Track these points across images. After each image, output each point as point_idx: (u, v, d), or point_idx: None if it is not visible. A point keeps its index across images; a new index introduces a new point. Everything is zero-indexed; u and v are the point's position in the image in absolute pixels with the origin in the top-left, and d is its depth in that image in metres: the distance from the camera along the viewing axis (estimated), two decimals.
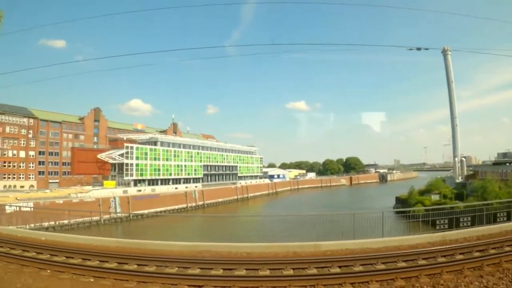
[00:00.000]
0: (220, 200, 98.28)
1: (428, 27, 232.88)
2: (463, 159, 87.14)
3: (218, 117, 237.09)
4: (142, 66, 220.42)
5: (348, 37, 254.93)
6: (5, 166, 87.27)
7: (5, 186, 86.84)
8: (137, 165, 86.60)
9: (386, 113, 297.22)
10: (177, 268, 11.06)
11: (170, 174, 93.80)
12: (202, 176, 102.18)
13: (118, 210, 73.55)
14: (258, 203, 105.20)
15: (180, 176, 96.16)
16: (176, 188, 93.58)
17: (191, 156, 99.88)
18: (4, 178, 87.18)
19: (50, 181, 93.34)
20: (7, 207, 59.06)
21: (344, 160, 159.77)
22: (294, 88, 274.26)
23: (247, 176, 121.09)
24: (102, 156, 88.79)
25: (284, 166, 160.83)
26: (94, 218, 63.71)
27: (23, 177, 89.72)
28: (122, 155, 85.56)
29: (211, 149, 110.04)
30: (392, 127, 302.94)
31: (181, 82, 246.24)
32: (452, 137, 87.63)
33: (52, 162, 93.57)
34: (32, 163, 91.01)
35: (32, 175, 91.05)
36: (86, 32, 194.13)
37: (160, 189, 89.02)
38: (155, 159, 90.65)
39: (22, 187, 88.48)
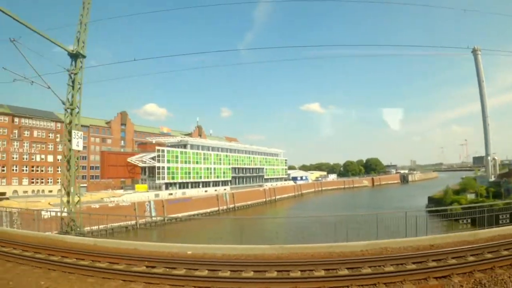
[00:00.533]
0: (249, 202, 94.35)
1: (441, 26, 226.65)
2: (495, 158, 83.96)
3: (232, 120, 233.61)
4: (156, 70, 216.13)
5: (361, 36, 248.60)
6: (33, 170, 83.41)
7: (33, 190, 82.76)
8: (168, 168, 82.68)
9: (402, 114, 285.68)
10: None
11: (200, 177, 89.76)
12: (230, 178, 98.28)
13: (153, 214, 70.01)
14: (287, 205, 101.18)
15: (209, 179, 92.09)
16: (206, 191, 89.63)
17: (220, 159, 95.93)
18: (33, 182, 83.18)
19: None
20: (43, 213, 55.17)
21: (364, 161, 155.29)
22: (308, 89, 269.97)
23: (272, 178, 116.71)
24: (132, 159, 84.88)
25: (304, 168, 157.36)
26: (130, 223, 60.17)
27: (51, 182, 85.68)
28: (153, 158, 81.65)
29: (238, 151, 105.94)
30: (408, 127, 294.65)
31: (195, 86, 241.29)
32: (484, 136, 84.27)
33: (80, 166, 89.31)
34: (60, 168, 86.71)
35: (60, 178, 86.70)
36: (99, 37, 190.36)
37: (190, 192, 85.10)
38: (185, 162, 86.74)
39: (50, 191, 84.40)
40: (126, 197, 72.78)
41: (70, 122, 22.44)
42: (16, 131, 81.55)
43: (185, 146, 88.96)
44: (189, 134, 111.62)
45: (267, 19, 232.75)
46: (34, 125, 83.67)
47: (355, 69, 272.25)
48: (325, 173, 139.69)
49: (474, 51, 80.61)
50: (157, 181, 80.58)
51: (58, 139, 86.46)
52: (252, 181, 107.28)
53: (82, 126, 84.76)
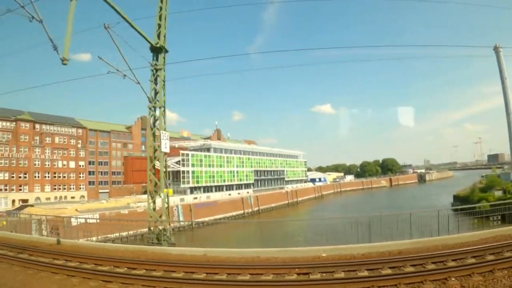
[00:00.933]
0: (273, 205, 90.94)
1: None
2: None
3: (243, 124, 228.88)
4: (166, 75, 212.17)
5: (371, 37, 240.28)
6: (55, 177, 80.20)
7: (56, 197, 79.56)
8: (193, 172, 79.48)
9: (414, 113, 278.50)
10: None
11: (224, 181, 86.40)
12: (253, 181, 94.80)
13: (181, 218, 66.87)
14: (309, 207, 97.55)
15: (233, 183, 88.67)
16: (229, 194, 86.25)
17: (242, 162, 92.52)
18: (55, 189, 79.95)
19: (100, 191, 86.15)
20: (72, 220, 52.12)
21: (381, 162, 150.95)
22: (318, 91, 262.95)
23: (293, 180, 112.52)
24: (156, 164, 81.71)
25: (321, 169, 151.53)
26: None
27: (73, 188, 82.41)
28: (178, 162, 78.48)
29: (260, 154, 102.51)
30: (419, 127, 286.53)
31: (205, 89, 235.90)
32: (509, 133, 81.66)
33: (101, 172, 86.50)
34: (82, 173, 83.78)
35: (83, 185, 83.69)
36: (110, 44, 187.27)
37: (214, 196, 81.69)
38: (209, 165, 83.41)
39: (72, 197, 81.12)
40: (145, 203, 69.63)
41: (155, 121, 19.20)
42: (38, 138, 78.48)
43: (208, 149, 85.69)
44: (208, 138, 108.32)
45: (276, 22, 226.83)
46: (55, 131, 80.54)
47: (365, 69, 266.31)
48: (341, 174, 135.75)
49: (496, 49, 77.72)
50: (182, 185, 77.31)
51: (79, 145, 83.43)
52: (274, 183, 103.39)
53: (102, 131, 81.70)
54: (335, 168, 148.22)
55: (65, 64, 11.68)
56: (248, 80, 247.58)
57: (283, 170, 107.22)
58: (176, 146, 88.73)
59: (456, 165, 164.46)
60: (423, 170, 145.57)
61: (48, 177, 78.33)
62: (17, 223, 45.55)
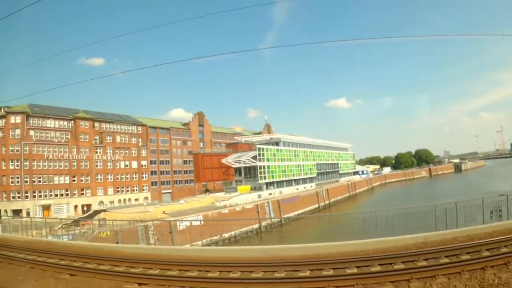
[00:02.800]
0: (339, 198, 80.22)
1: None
2: None
3: (259, 121, 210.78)
4: (178, 76, 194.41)
5: (385, 26, 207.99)
6: (118, 179, 66.75)
7: (119, 200, 66.12)
8: (268, 167, 67.88)
9: (430, 103, 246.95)
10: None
11: (293, 175, 75.15)
12: (315, 175, 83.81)
13: (272, 215, 55.82)
14: (368, 198, 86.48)
15: (299, 177, 77.35)
16: (297, 189, 75.00)
17: (307, 156, 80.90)
18: (118, 191, 66.47)
19: (163, 191, 73.20)
20: (178, 224, 40.50)
21: (413, 153, 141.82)
22: (333, 85, 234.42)
23: (344, 173, 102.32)
24: (228, 160, 69.59)
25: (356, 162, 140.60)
26: (254, 226, 48.91)
27: (136, 189, 69.23)
28: (254, 157, 66.74)
29: (319, 147, 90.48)
30: (436, 118, 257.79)
31: (218, 87, 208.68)
32: None
33: (163, 171, 73.64)
34: (145, 174, 70.67)
35: (146, 186, 70.56)
36: (122, 48, 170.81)
37: (285, 191, 70.06)
38: (281, 160, 71.98)
39: (136, 200, 67.65)
40: (235, 200, 57.76)
41: None
42: (97, 137, 65.11)
43: (277, 143, 73.97)
44: (259, 133, 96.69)
45: (286, 19, 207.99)
46: (115, 130, 67.05)
47: (378, 61, 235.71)
48: (377, 166, 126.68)
49: None
50: (260, 181, 65.52)
51: (140, 144, 70.31)
52: (330, 176, 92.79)
53: (162, 128, 69.53)
54: (370, 161, 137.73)
55: None
56: (261, 77, 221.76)
57: (337, 163, 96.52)
58: (243, 141, 77.07)
59: (477, 155, 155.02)
60: (456, 160, 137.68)
61: (111, 179, 64.80)
62: (119, 232, 33.94)
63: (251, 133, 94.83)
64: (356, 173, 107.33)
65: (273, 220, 53.24)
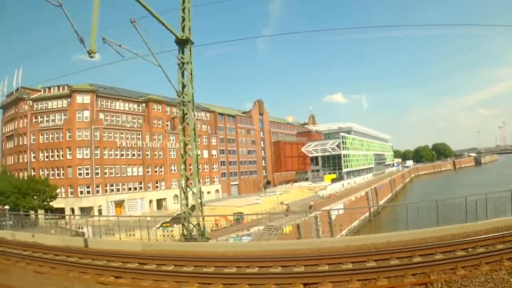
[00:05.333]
0: (397, 188, 71.97)
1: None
2: None
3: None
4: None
5: (380, 19, 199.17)
6: (191, 169, 53.91)
7: (193, 194, 53.40)
8: (348, 155, 57.70)
9: (426, 98, 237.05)
10: None
11: (361, 164, 65.42)
12: (373, 165, 74.52)
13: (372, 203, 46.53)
14: (417, 188, 79.28)
15: (364, 166, 67.71)
16: (363, 179, 65.40)
17: (369, 145, 72.06)
18: (192, 184, 53.71)
19: (231, 183, 60.71)
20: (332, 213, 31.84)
21: (430, 147, 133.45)
22: (329, 80, 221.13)
23: (388, 164, 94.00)
24: (308, 148, 58.56)
25: None
26: (366, 215, 39.08)
27: (208, 181, 56.52)
28: (338, 145, 56.21)
29: (374, 137, 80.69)
30: (432, 112, 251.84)
31: (212, 81, 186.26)
32: None
33: (231, 161, 61.22)
34: (215, 164, 58.06)
35: (217, 177, 57.92)
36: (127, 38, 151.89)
37: (357, 180, 60.65)
38: (355, 149, 62.10)
39: (208, 193, 55.29)
40: (330, 189, 47.38)
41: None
42: (168, 123, 52.01)
43: (349, 132, 63.91)
44: (305, 124, 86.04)
45: (282, 14, 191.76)
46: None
47: (373, 56, 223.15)
48: (399, 159, 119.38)
49: None
50: (343, 170, 55.33)
51: (210, 132, 57.50)
52: (380, 167, 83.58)
53: (229, 116, 57.15)
54: None
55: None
56: (259, 73, 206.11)
57: (384, 154, 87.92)
58: (314, 130, 66.24)
59: (477, 151, 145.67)
60: (474, 154, 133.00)
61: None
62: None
63: (298, 124, 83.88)
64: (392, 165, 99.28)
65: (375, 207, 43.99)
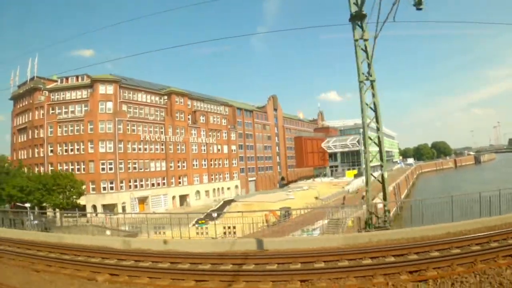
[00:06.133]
0: (410, 184, 72.45)
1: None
2: None
3: None
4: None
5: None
6: (212, 165, 52.09)
7: (214, 189, 51.54)
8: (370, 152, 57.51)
9: (421, 97, 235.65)
10: None
11: (377, 161, 65.44)
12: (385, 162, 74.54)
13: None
14: (429, 183, 79.36)
15: (377, 163, 67.77)
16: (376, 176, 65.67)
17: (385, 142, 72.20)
18: (212, 179, 51.93)
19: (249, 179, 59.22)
20: None
21: (430, 145, 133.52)
22: (323, 78, 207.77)
23: (395, 162, 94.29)
24: (328, 144, 57.73)
25: None
26: None
27: (228, 177, 54.91)
28: (358, 141, 55.71)
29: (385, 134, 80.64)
30: (427, 112, 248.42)
31: (203, 79, 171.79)
32: None
33: (248, 157, 59.71)
34: (235, 160, 56.48)
35: (236, 173, 56.38)
36: (112, 39, 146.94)
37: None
38: (372, 145, 61.93)
39: (228, 189, 53.83)
40: (355, 185, 46.95)
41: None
42: (190, 117, 50.09)
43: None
44: (314, 120, 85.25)
45: (276, 11, 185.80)
46: (209, 110, 52.29)
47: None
48: (400, 157, 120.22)
49: None
50: (363, 166, 54.96)
51: (229, 126, 55.87)
52: (389, 164, 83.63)
53: (246, 111, 55.65)
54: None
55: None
56: (251, 72, 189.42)
57: (392, 151, 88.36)
58: (331, 126, 65.53)
59: (471, 150, 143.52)
60: (473, 153, 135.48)
61: (205, 165, 50.26)
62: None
63: (308, 121, 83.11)
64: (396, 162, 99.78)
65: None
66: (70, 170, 37.41)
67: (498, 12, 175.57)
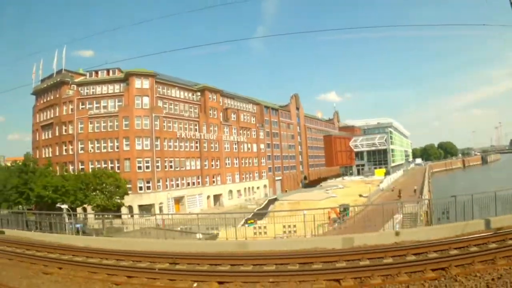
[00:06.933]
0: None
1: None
2: None
3: None
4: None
5: (377, 18, 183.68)
6: (243, 163, 50.38)
7: (245, 189, 49.87)
8: (393, 150, 56.82)
9: (420, 97, 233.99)
10: None
11: (400, 160, 65.01)
12: (404, 161, 74.28)
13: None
14: (443, 182, 79.27)
15: (398, 162, 67.29)
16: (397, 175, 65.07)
17: (402, 142, 71.77)
18: (243, 179, 50.27)
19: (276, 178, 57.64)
20: None
21: (436, 146, 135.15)
22: (323, 79, 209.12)
23: (409, 162, 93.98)
24: (356, 143, 56.90)
25: None
26: None
27: (257, 176, 53.25)
28: (386, 140, 55.07)
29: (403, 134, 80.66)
30: (426, 112, 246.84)
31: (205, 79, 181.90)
32: None
33: (275, 156, 58.08)
34: (263, 159, 54.83)
35: (264, 172, 54.74)
36: (111, 41, 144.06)
37: (397, 175, 60.10)
38: (396, 145, 61.35)
39: (258, 188, 52.26)
40: (386, 183, 46.25)
41: None
42: (221, 114, 48.34)
43: (389, 128, 63.18)
44: (330, 120, 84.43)
45: (276, 12, 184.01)
46: (239, 107, 50.64)
47: (367, 55, 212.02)
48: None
49: None
50: (391, 164, 54.45)
51: (258, 125, 54.28)
52: (404, 164, 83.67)
53: (273, 109, 54.34)
54: None
55: None
56: (249, 72, 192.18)
57: (408, 150, 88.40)
58: (356, 125, 64.75)
59: (473, 150, 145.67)
60: (479, 153, 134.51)
61: (236, 164, 48.61)
62: None
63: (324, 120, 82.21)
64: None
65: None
66: (102, 169, 35.29)
67: (497, 13, 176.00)
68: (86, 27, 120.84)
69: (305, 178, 64.15)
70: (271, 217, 25.37)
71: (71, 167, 36.99)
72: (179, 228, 23.49)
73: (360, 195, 36.71)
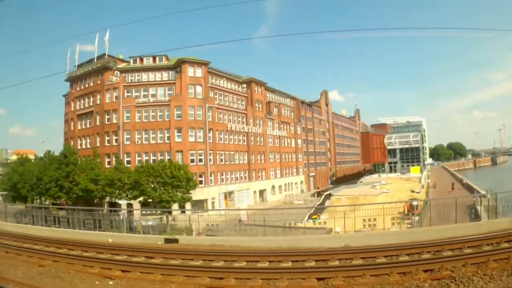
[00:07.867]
0: None
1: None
2: None
3: None
4: None
5: (379, 19, 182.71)
6: (283, 159, 49.13)
7: (285, 184, 48.72)
8: (425, 148, 57.03)
9: (421, 99, 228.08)
10: None
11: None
12: (428, 160, 74.91)
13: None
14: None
15: (428, 161, 67.86)
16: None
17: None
18: (284, 174, 49.03)
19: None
20: None
21: (445, 146, 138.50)
22: (325, 78, 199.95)
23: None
24: (391, 140, 56.49)
25: None
26: None
27: (295, 172, 52.09)
28: (420, 138, 55.00)
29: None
30: (428, 113, 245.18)
31: None
32: None
33: (309, 152, 57.04)
34: (300, 154, 53.73)
35: (301, 168, 53.63)
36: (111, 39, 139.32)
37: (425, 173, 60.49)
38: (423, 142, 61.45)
39: (296, 184, 51.14)
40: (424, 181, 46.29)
41: None
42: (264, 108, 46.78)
43: (419, 126, 63.19)
44: (352, 117, 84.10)
45: (279, 11, 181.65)
46: (281, 102, 49.27)
47: (369, 55, 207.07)
48: None
49: None
50: (426, 162, 54.62)
51: (296, 120, 53.06)
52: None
53: (308, 105, 53.28)
54: None
55: None
56: (253, 71, 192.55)
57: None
58: (387, 123, 64.52)
59: (474, 152, 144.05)
60: (488, 155, 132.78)
61: (278, 159, 47.43)
62: None
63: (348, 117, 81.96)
64: None
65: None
66: (151, 161, 33.52)
67: (499, 15, 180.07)
68: (87, 24, 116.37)
69: (333, 175, 63.64)
70: (330, 212, 24.57)
71: (114, 159, 35.01)
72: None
73: (412, 191, 36.39)
